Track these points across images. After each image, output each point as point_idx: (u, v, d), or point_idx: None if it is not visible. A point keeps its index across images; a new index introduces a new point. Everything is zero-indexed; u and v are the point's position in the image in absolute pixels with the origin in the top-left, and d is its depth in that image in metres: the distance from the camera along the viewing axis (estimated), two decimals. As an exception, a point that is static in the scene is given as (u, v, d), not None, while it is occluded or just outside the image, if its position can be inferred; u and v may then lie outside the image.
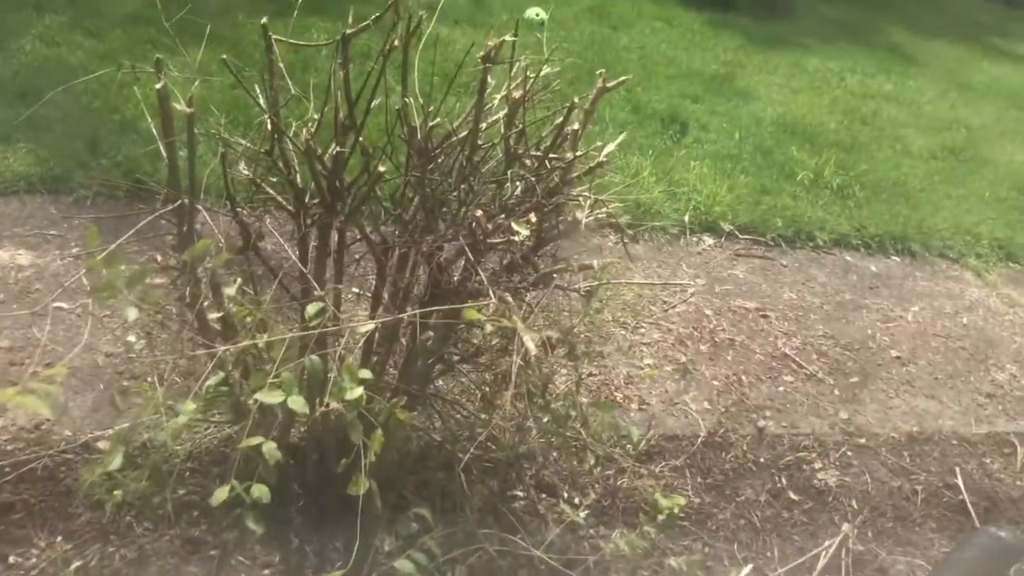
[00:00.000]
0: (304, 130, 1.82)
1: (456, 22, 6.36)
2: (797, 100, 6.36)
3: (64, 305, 2.96)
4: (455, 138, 2.10)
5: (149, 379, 2.62)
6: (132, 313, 1.52)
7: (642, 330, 3.45)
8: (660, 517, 2.46)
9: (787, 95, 6.43)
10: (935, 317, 4.06)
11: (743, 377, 3.35)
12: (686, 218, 4.29)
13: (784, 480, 2.94)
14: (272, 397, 1.50)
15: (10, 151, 3.67)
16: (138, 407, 1.70)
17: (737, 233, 4.35)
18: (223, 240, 1.92)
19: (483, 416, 2.49)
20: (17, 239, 3.26)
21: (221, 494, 1.54)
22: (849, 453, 3.11)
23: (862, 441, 3.17)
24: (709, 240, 4.27)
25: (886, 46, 8.37)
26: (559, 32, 6.66)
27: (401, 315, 1.84)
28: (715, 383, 3.29)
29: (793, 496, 2.89)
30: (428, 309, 1.74)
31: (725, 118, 5.68)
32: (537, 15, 6.76)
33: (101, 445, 2.41)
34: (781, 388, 3.35)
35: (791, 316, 3.82)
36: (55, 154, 3.68)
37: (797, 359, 3.53)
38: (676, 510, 2.46)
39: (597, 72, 2.22)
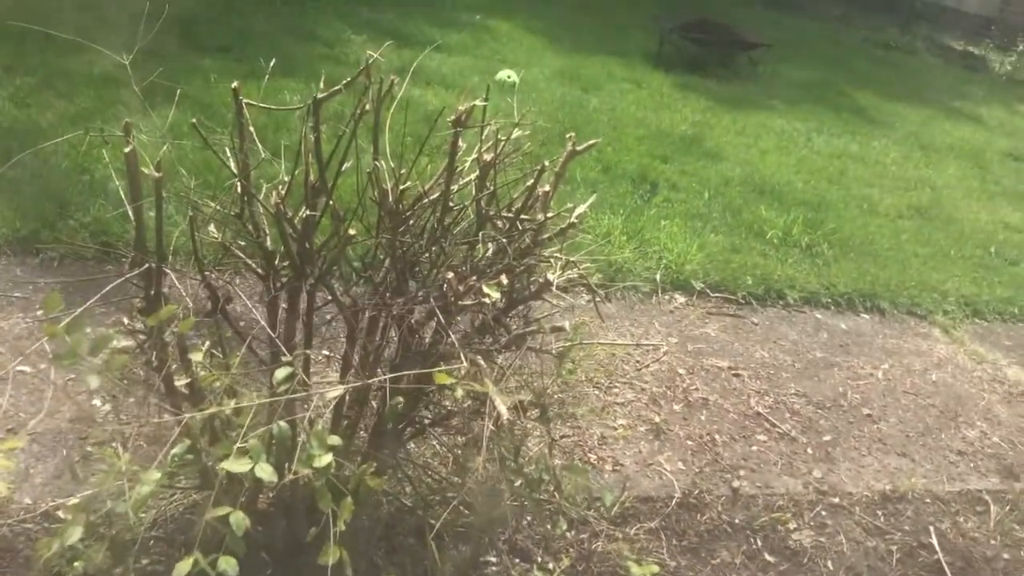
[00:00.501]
0: (274, 193, 1.82)
1: (428, 83, 6.43)
2: (765, 160, 6.46)
3: (27, 369, 2.90)
4: (426, 200, 2.10)
5: (113, 445, 2.57)
6: (94, 381, 1.49)
7: (615, 390, 3.44)
8: (635, 583, 2.42)
9: (755, 155, 6.54)
10: (905, 374, 4.08)
11: (717, 437, 3.34)
12: (657, 277, 4.31)
13: (759, 541, 2.91)
14: (239, 465, 1.46)
15: (-24, 212, 3.64)
16: (101, 475, 1.65)
17: (708, 291, 4.37)
18: (191, 303, 1.90)
19: (455, 480, 2.45)
20: (-19, 301, 3.20)
21: (184, 567, 1.49)
22: (823, 513, 3.09)
23: (836, 500, 3.16)
24: (680, 298, 4.29)
25: (850, 108, 8.56)
26: (530, 94, 6.75)
27: (372, 379, 1.81)
28: (689, 443, 3.27)
29: (769, 558, 2.86)
30: (399, 374, 1.72)
31: (694, 178, 5.76)
32: (508, 77, 6.85)
33: (62, 514, 2.34)
34: (755, 447, 3.34)
35: (763, 374, 3.83)
36: (22, 215, 3.64)
37: (770, 418, 3.53)
38: (650, 576, 2.42)
39: (567, 135, 2.25)
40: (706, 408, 3.50)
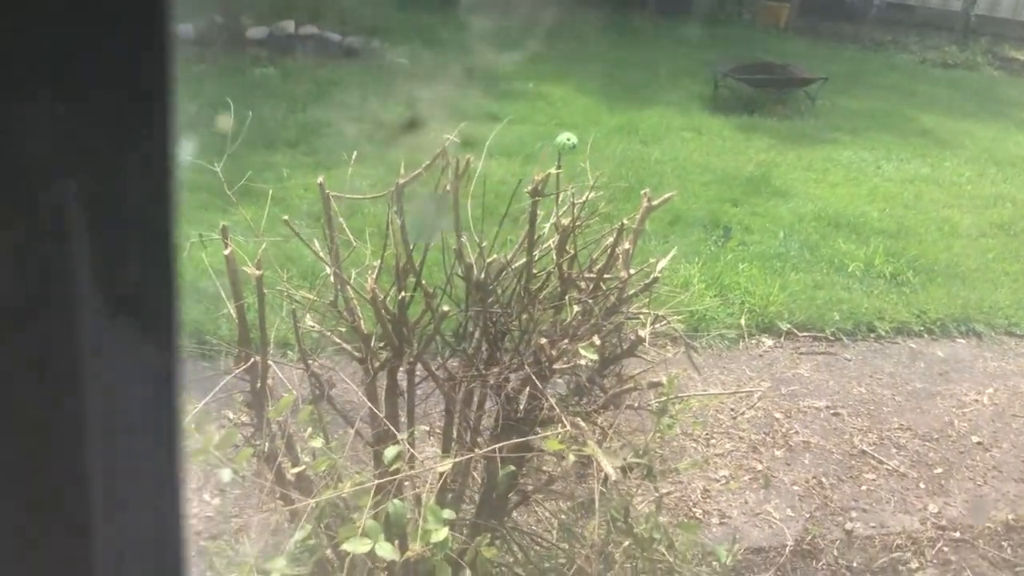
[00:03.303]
0: (369, 279, 1.88)
1: (490, 155, 6.55)
2: (836, 193, 6.39)
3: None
4: (510, 269, 2.14)
5: (225, 538, 2.62)
6: (227, 475, 1.55)
7: (713, 441, 3.39)
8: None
9: (825, 189, 6.47)
10: (1012, 397, 3.94)
11: (823, 479, 3.26)
12: (742, 321, 4.27)
13: (882, 584, 2.82)
14: (360, 546, 1.49)
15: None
16: (229, 567, 1.70)
17: (795, 331, 4.31)
18: (296, 393, 1.95)
19: (563, 546, 2.44)
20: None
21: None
22: (945, 549, 2.98)
23: (957, 535, 3.04)
24: (768, 341, 4.23)
25: (917, 131, 8.42)
26: (591, 153, 6.81)
27: (478, 451, 1.84)
28: (795, 488, 3.20)
29: (894, 601, 2.76)
30: (505, 443, 1.74)
31: (766, 218, 5.71)
32: (568, 140, 6.93)
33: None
34: (864, 487, 3.25)
35: (863, 411, 3.73)
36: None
37: (876, 455, 3.43)
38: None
39: (642, 191, 2.27)
40: (808, 451, 3.42)
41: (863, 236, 5.48)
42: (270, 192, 2.08)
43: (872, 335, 4.37)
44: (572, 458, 1.66)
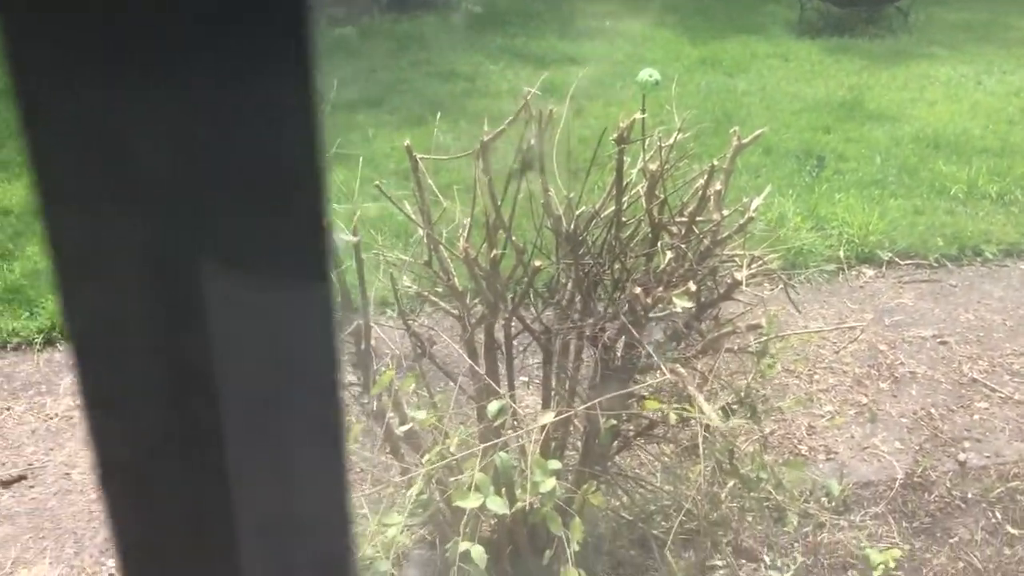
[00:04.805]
0: (461, 239, 1.90)
1: (572, 98, 6.48)
2: (934, 112, 6.12)
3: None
4: (599, 218, 2.14)
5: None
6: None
7: (816, 377, 3.34)
8: (875, 574, 2.34)
9: (922, 109, 6.20)
10: None
11: (932, 410, 3.18)
12: (841, 253, 4.16)
13: (999, 514, 2.75)
14: (471, 501, 1.54)
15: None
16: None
17: (897, 260, 4.18)
18: (398, 351, 2.01)
19: (668, 489, 2.46)
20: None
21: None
22: (1067, 476, 2.89)
23: (1079, 461, 2.94)
24: (869, 272, 4.12)
25: (1020, 40, 7.96)
26: (675, 88, 6.67)
27: (579, 404, 1.86)
28: (903, 420, 3.13)
29: (1013, 531, 2.70)
30: (605, 397, 1.76)
31: (862, 144, 5.52)
32: (650, 77, 6.78)
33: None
34: (976, 416, 3.16)
35: (972, 338, 3.61)
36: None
37: (988, 383, 3.33)
38: (892, 563, 2.34)
39: (731, 129, 2.23)
40: (915, 382, 3.34)
41: (965, 156, 5.25)
42: (360, 159, 2.11)
43: (979, 259, 4.20)
44: (673, 418, 1.67)
